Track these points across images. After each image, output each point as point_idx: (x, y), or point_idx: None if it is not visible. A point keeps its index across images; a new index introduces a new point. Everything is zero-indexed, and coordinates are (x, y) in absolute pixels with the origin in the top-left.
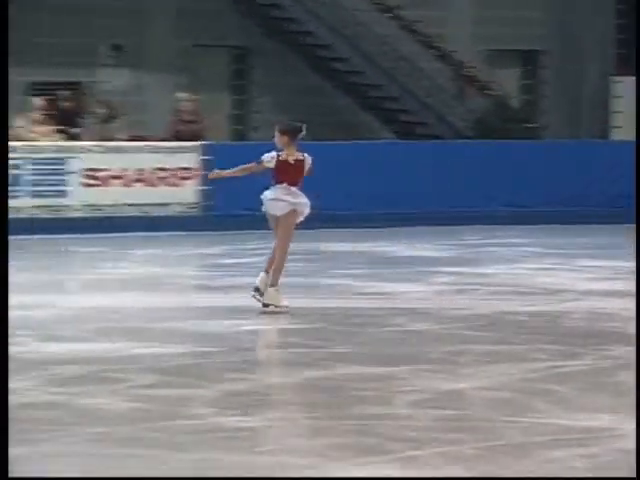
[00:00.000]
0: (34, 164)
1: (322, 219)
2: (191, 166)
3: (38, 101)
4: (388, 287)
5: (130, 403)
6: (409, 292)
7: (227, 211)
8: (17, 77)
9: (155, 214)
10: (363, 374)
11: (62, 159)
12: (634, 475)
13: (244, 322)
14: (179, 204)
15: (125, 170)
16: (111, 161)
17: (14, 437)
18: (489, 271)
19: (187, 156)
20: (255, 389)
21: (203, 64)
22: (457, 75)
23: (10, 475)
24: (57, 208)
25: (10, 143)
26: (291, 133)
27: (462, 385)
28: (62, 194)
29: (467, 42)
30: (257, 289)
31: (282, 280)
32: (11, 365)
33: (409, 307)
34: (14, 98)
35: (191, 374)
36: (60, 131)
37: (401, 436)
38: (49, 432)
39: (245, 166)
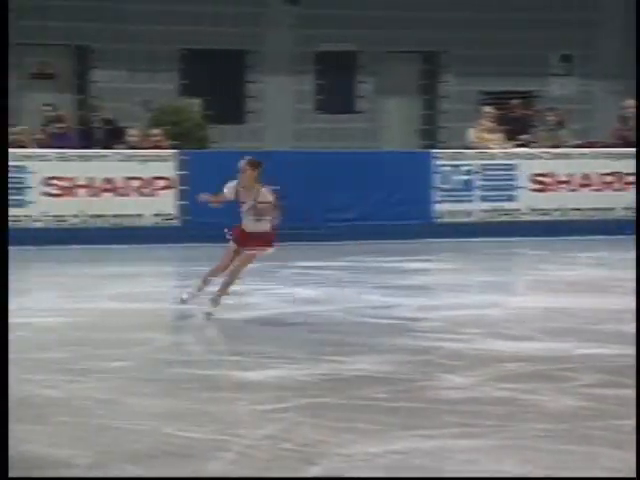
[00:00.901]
0: (485, 169)
1: None
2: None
3: (489, 109)
4: None
5: (576, 401)
6: None
7: None
8: (469, 87)
9: (597, 218)
10: None
11: (511, 165)
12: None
13: None
14: (621, 208)
15: (571, 175)
16: (558, 167)
17: (461, 429)
18: None
19: (631, 162)
20: None
21: None
22: None
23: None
24: (506, 212)
25: (463, 150)
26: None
27: None
28: (511, 198)
29: None
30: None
31: None
32: (460, 361)
33: None
34: (466, 107)
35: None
36: (510, 138)
37: None
38: (494, 426)
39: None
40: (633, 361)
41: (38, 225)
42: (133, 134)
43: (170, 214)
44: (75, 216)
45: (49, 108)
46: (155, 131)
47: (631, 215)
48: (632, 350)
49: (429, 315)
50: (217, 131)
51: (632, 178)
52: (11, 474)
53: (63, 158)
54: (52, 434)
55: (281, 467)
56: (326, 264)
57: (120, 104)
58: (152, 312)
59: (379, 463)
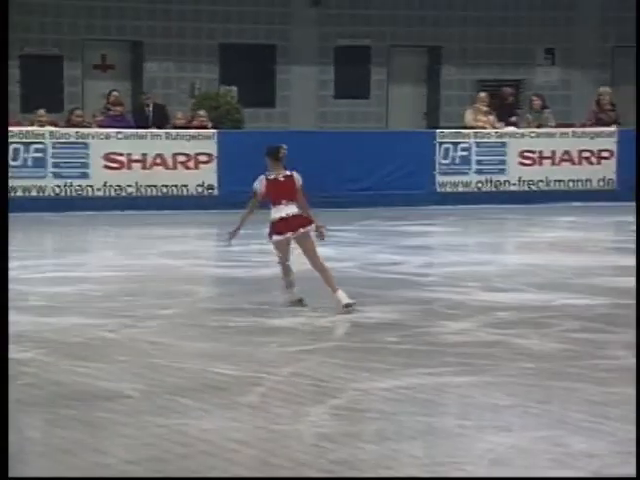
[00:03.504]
0: (478, 147)
1: None
2: (607, 148)
3: (483, 95)
4: None
5: (558, 344)
6: None
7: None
8: (467, 76)
9: (575, 188)
10: None
11: (502, 143)
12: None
13: None
14: (596, 180)
15: (554, 152)
16: (542, 144)
17: (459, 368)
18: None
19: (605, 140)
20: None
21: (623, 62)
22: None
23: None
24: (496, 183)
25: (461, 130)
26: (270, 154)
27: None
28: (502, 172)
29: None
30: (348, 305)
31: None
32: (458, 310)
33: None
34: (465, 93)
35: (610, 321)
36: (501, 119)
37: None
38: (487, 365)
39: (247, 209)
40: (606, 310)
41: (99, 194)
42: (179, 117)
43: (211, 185)
44: (130, 186)
45: (110, 93)
46: (201, 112)
47: (603, 186)
48: (605, 300)
49: (431, 271)
50: (249, 114)
51: (605, 154)
52: (75, 405)
53: (120, 137)
54: (111, 371)
55: (306, 399)
56: (343, 228)
57: (168, 91)
58: (195, 268)
59: (388, 396)
